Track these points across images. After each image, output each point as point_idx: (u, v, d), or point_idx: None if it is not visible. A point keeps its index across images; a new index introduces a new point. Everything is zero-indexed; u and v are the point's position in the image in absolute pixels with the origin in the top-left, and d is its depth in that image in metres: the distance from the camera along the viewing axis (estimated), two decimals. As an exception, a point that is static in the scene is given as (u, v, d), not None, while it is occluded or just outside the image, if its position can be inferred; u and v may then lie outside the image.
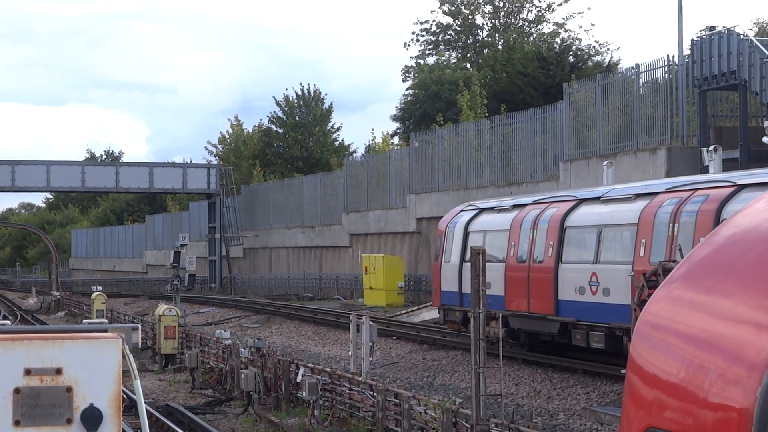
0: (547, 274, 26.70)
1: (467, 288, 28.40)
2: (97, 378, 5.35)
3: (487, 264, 29.69)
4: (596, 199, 26.37)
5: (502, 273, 28.87)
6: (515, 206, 30.10)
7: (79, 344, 5.37)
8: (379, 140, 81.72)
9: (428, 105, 73.72)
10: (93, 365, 5.35)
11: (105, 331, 5.62)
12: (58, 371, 5.34)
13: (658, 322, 3.44)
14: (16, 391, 5.32)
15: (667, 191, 23.39)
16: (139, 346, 5.83)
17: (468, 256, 29.16)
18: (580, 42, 75.83)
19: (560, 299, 26.35)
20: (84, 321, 7.54)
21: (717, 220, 20.67)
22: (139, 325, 5.83)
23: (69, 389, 5.35)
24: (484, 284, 17.25)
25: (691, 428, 3.07)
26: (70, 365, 5.34)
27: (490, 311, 27.24)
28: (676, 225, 22.09)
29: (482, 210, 32.16)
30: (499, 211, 30.91)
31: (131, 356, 5.55)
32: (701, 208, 21.61)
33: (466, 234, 31.77)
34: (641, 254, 23.16)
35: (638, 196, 24.47)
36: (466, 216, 32.42)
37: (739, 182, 21.48)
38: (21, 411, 5.32)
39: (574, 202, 27.07)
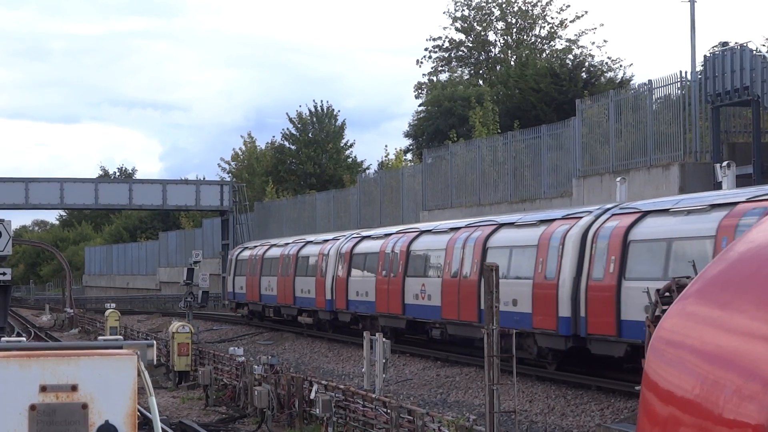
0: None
1: (237, 289, 55.24)
2: (113, 394, 5.33)
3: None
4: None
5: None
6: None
7: (94, 361, 5.35)
8: (392, 157, 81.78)
9: (441, 121, 73.72)
10: (108, 382, 5.32)
11: (120, 347, 5.61)
12: (74, 388, 5.33)
13: (673, 338, 3.44)
14: (32, 408, 5.31)
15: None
16: (154, 362, 5.82)
17: (236, 272, 55.22)
18: (592, 58, 75.91)
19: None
20: (99, 338, 7.53)
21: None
22: (154, 342, 5.82)
23: (85, 406, 5.34)
24: (497, 300, 17.24)
25: (707, 444, 3.07)
26: (85, 382, 5.32)
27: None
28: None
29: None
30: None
31: (146, 373, 5.55)
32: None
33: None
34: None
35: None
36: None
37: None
38: (37, 428, 5.31)
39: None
